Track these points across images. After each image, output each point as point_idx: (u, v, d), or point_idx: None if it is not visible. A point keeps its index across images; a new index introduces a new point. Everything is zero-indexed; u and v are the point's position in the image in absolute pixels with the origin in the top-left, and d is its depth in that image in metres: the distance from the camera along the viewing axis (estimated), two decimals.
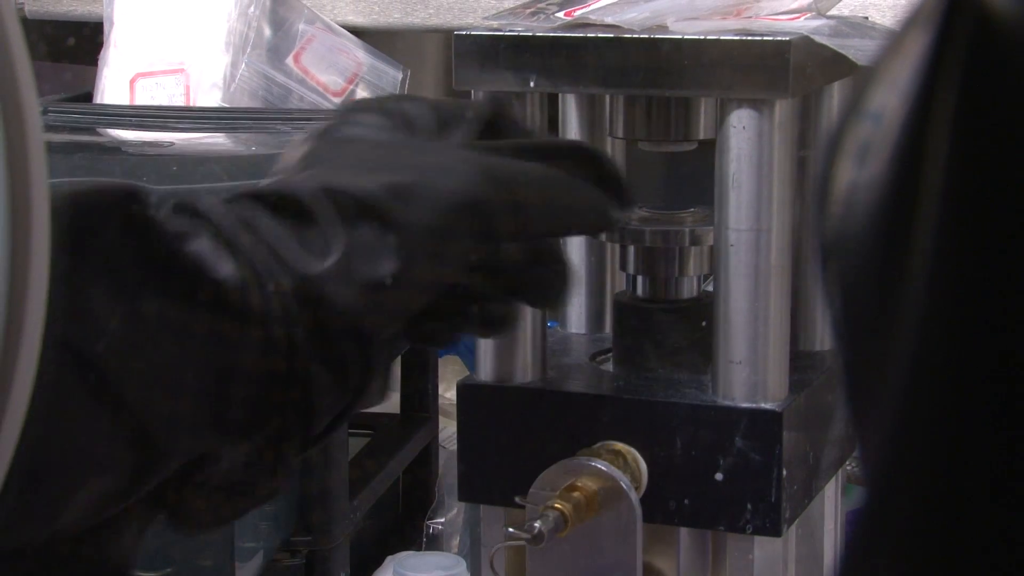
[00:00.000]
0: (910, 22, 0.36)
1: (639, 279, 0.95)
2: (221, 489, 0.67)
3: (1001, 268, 0.33)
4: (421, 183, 0.71)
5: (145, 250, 0.62)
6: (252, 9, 1.43)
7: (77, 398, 0.58)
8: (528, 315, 0.91)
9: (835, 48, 0.86)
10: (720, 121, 0.86)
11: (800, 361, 0.93)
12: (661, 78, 0.86)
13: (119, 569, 0.66)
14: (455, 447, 0.94)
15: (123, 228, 0.62)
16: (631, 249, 0.94)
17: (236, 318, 0.63)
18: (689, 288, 0.95)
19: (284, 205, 0.68)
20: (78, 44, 1.65)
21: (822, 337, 0.98)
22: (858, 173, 0.37)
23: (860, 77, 0.38)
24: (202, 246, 0.64)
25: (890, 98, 0.35)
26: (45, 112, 1.44)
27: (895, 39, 0.37)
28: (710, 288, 0.91)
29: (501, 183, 0.73)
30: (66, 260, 0.55)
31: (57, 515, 0.60)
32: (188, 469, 0.65)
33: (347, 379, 0.69)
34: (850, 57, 0.85)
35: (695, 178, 1.04)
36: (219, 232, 0.65)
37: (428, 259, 0.70)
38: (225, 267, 0.64)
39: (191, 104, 1.42)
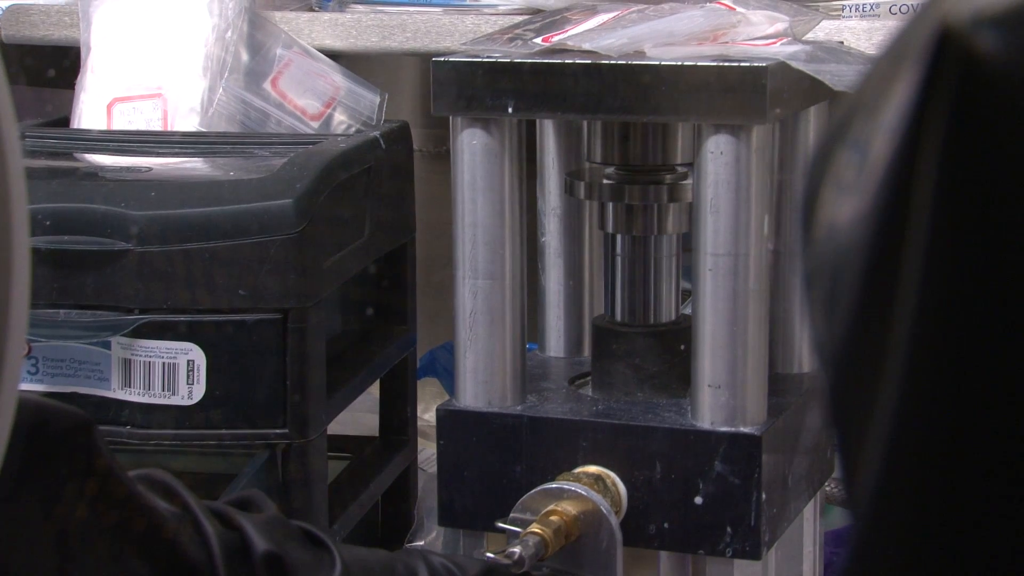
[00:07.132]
0: (895, 56, 0.36)
1: (618, 304, 0.95)
2: None
3: (990, 302, 0.33)
4: None
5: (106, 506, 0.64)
6: (229, 34, 1.43)
7: None
8: (507, 339, 0.91)
9: (811, 73, 0.86)
10: (697, 146, 0.86)
11: (778, 384, 0.94)
12: (639, 104, 0.86)
13: None
14: (434, 469, 0.94)
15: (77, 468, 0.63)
16: (609, 207, 0.94)
17: None
18: (668, 312, 0.95)
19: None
20: (57, 70, 1.65)
21: (800, 360, 0.99)
22: (842, 203, 0.37)
23: (842, 104, 0.38)
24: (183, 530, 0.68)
25: (876, 133, 0.35)
26: (22, 138, 1.44)
27: (879, 71, 0.37)
28: (688, 312, 0.92)
29: None
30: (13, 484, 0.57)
31: None
32: None
33: None
34: (826, 82, 0.86)
35: None
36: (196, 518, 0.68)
37: None
38: (199, 553, 0.68)
39: (169, 129, 1.41)
